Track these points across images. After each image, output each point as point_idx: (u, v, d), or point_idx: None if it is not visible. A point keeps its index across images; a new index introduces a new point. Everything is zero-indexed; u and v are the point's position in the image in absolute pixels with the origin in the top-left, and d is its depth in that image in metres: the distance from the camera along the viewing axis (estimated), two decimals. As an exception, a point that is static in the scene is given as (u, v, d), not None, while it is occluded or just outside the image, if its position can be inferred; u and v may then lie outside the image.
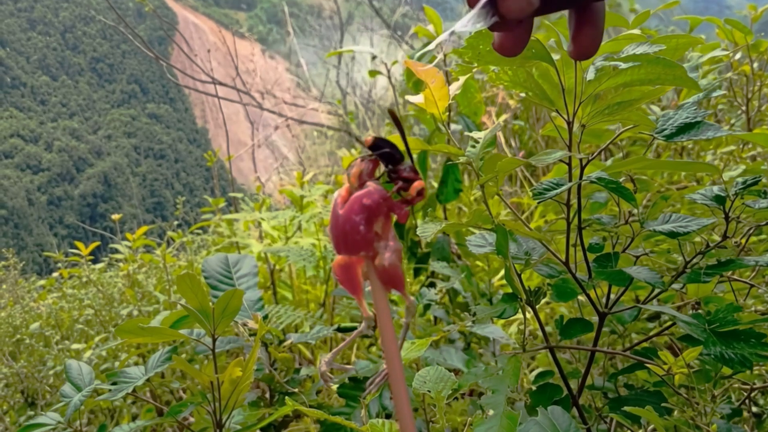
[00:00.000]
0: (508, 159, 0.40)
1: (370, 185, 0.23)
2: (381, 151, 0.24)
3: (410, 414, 0.21)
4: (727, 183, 0.48)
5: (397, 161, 0.24)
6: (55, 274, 2.12)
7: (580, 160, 0.44)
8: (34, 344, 1.46)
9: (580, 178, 0.43)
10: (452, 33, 0.22)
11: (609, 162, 0.65)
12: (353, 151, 2.13)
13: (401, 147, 0.25)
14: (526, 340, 0.48)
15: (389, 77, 1.27)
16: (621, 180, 0.43)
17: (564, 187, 0.43)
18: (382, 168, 0.25)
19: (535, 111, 2.10)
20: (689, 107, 0.44)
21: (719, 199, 0.45)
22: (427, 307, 0.99)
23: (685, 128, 0.42)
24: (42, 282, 2.28)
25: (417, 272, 1.24)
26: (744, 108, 1.14)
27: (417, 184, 0.24)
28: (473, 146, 0.45)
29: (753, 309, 0.65)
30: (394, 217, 0.23)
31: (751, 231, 0.48)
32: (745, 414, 0.67)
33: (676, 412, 0.40)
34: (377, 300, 0.22)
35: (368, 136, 0.25)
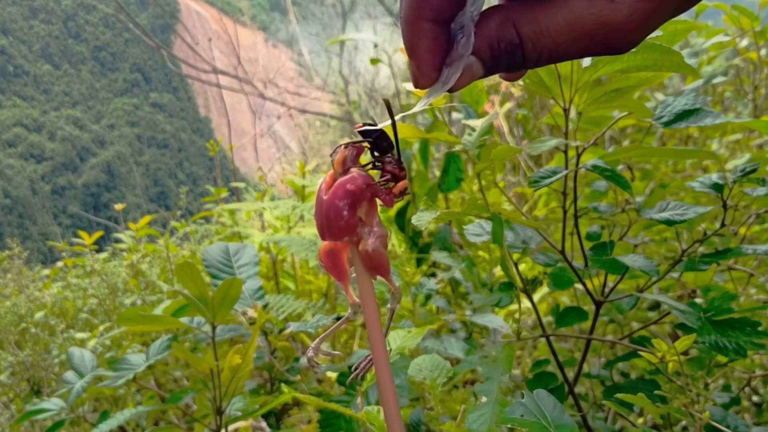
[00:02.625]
0: (503, 147, 0.40)
1: (354, 171, 0.23)
2: (366, 139, 0.24)
3: (394, 400, 0.21)
4: (731, 171, 0.48)
5: (382, 151, 0.24)
6: (60, 264, 2.14)
7: (577, 147, 0.43)
8: (39, 333, 1.48)
9: (576, 165, 0.43)
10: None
11: (611, 150, 0.64)
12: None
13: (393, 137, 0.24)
14: (526, 328, 0.48)
15: (390, 65, 1.26)
16: (618, 168, 0.43)
17: (559, 175, 0.42)
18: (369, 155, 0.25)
19: (539, 100, 2.07)
20: (688, 94, 0.44)
21: (717, 187, 0.45)
22: (428, 297, 0.99)
23: (683, 115, 0.42)
24: (46, 271, 2.30)
25: (419, 262, 1.24)
26: (751, 95, 1.13)
27: (401, 185, 0.24)
28: (470, 134, 0.45)
29: (755, 298, 0.65)
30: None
31: (750, 219, 0.48)
32: (746, 403, 0.67)
33: (671, 400, 0.40)
34: (361, 286, 0.22)
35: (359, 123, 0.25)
